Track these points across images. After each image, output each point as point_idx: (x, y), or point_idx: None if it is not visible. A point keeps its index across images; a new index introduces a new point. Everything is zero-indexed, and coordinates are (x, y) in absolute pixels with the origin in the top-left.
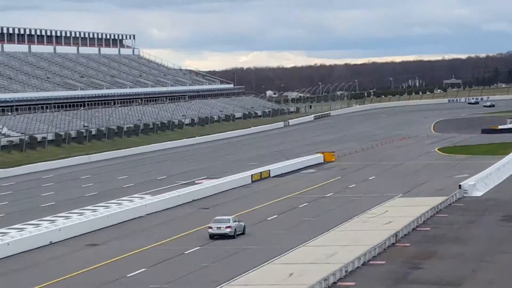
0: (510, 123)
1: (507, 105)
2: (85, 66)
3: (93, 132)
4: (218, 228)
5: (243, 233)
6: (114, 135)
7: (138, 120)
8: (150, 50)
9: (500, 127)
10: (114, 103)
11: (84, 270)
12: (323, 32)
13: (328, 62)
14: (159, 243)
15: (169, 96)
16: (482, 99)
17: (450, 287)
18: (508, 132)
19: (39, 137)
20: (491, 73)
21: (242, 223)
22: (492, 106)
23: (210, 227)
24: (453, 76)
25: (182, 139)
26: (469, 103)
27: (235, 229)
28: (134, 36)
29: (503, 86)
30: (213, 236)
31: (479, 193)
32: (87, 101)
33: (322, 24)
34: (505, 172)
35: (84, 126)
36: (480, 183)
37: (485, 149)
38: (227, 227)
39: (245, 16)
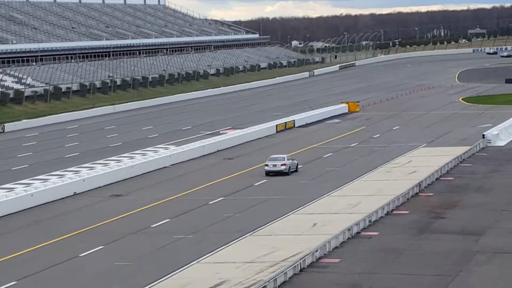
0: None
1: None
2: (110, 16)
3: (118, 83)
4: (274, 165)
5: (296, 171)
6: (139, 86)
7: (163, 70)
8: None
9: None
10: (139, 53)
11: (108, 220)
12: None
13: (353, 12)
14: (183, 193)
15: (194, 46)
16: (505, 48)
17: (472, 236)
18: None
19: (63, 87)
20: None
21: (295, 161)
22: (510, 56)
23: (267, 165)
24: (477, 26)
25: (207, 89)
26: (487, 53)
27: (289, 166)
28: None
29: None
30: (268, 173)
31: (502, 143)
32: (112, 51)
33: None
34: None
35: (109, 77)
36: (503, 133)
37: (508, 98)
38: (282, 164)
39: None
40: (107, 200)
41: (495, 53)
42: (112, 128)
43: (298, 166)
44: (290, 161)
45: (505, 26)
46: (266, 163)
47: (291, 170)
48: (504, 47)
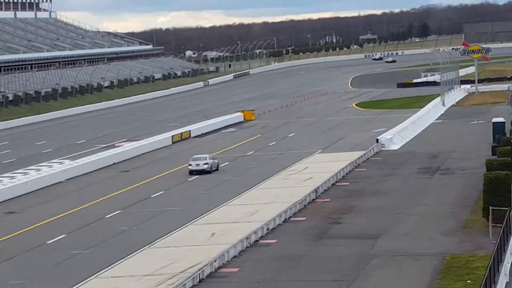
0: (424, 76)
1: (421, 59)
2: (0, 31)
3: (10, 98)
4: (197, 165)
5: (217, 169)
6: (32, 100)
7: (56, 84)
8: (67, 13)
9: (414, 80)
10: (32, 68)
11: (3, 238)
12: None
13: (246, 21)
14: (80, 208)
15: (87, 59)
16: (390, 54)
17: (369, 240)
18: (423, 86)
19: None
20: (405, 28)
21: (216, 160)
22: (394, 61)
23: (190, 164)
24: (369, 32)
25: (102, 102)
26: (373, 59)
27: (211, 165)
28: None
29: (417, 40)
30: (192, 172)
31: (395, 147)
32: (3, 66)
33: None
34: (420, 125)
35: (0, 92)
36: (396, 136)
37: (401, 103)
38: (204, 163)
39: None
40: (1, 217)
41: (381, 58)
42: (5, 144)
43: (219, 165)
44: (212, 160)
45: (395, 32)
46: (189, 163)
47: (213, 169)
48: (389, 53)
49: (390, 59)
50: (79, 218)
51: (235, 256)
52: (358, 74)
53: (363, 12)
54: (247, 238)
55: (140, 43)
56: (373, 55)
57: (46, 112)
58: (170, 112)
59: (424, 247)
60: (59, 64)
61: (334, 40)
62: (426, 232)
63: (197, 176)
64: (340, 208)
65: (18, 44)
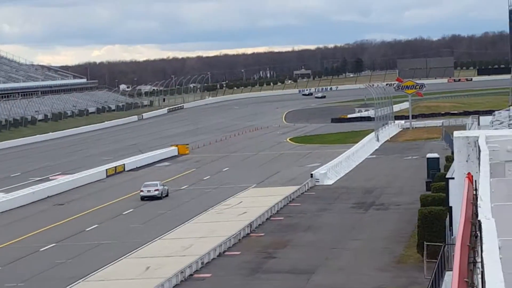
0: (358, 112)
1: (355, 94)
2: None
3: None
4: (148, 191)
5: (167, 196)
6: None
7: None
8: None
9: (349, 116)
10: None
11: None
12: (175, 25)
13: (180, 55)
14: (14, 241)
15: (21, 92)
16: (320, 89)
17: (304, 275)
18: (357, 121)
19: None
20: (339, 63)
21: (167, 187)
22: (323, 97)
23: (142, 191)
24: (303, 67)
25: (36, 135)
26: (303, 95)
27: (162, 191)
28: None
29: (351, 75)
30: (143, 198)
31: (330, 182)
32: None
33: (174, 17)
34: (355, 160)
35: None
36: (331, 171)
37: (335, 138)
38: (155, 190)
39: (97, 9)
40: None
41: (311, 94)
42: None
43: (169, 192)
44: (162, 187)
45: (329, 66)
46: (141, 189)
47: (163, 195)
48: (320, 88)
49: (319, 94)
50: (13, 251)
51: None
52: (292, 109)
53: (297, 47)
54: (182, 272)
55: (74, 77)
56: (303, 90)
57: None
58: (105, 146)
59: (359, 282)
60: None
61: (268, 75)
62: (360, 267)
63: (131, 210)
64: (274, 243)
65: None
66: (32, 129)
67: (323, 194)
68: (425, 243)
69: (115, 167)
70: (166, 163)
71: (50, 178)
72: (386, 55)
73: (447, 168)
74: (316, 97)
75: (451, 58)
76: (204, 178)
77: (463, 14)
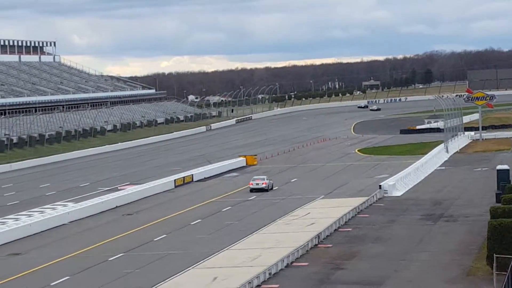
0: (427, 123)
1: (424, 105)
2: (5, 74)
3: (15, 140)
4: (257, 184)
5: (272, 189)
6: (35, 143)
7: (60, 127)
8: (71, 57)
9: (418, 127)
10: (36, 111)
11: (5, 280)
12: (243, 36)
13: (249, 66)
14: (83, 250)
15: (91, 103)
16: (375, 101)
17: (372, 287)
18: (426, 132)
19: None
20: (408, 74)
21: (272, 181)
22: (379, 109)
23: (251, 183)
24: (371, 78)
25: (105, 145)
26: (358, 107)
27: (268, 185)
28: (54, 43)
29: (420, 86)
30: (252, 190)
31: (398, 193)
32: (8, 109)
33: (243, 28)
34: (423, 171)
35: (5, 135)
36: (399, 183)
37: (403, 149)
38: (263, 183)
39: (165, 21)
40: (5, 259)
41: (366, 106)
42: (9, 186)
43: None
44: (269, 181)
45: (398, 77)
46: (250, 182)
47: (269, 188)
48: (375, 100)
49: (374, 107)
50: (82, 261)
51: None
52: (361, 120)
53: (366, 58)
54: (249, 282)
55: (143, 87)
56: (360, 104)
57: (50, 155)
58: (173, 156)
59: None
60: (63, 107)
61: (337, 86)
62: (429, 280)
63: (199, 220)
64: (342, 254)
65: (22, 88)
66: (101, 139)
67: (392, 206)
68: (495, 255)
69: (184, 177)
70: (234, 174)
71: (118, 188)
72: (456, 66)
73: None
74: (371, 110)
75: None
76: (274, 189)
77: None
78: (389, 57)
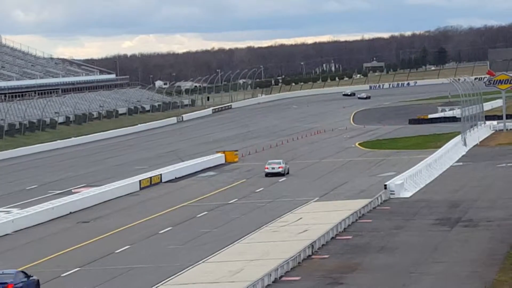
0: (441, 111)
1: (437, 90)
2: None
3: None
4: (273, 168)
5: (288, 173)
6: None
7: (2, 119)
8: (14, 36)
9: (430, 116)
10: None
11: None
12: (221, 10)
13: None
14: (30, 264)
15: (38, 91)
16: (404, 84)
17: None
18: (440, 122)
19: None
20: (418, 54)
21: (288, 166)
22: (368, 98)
23: (266, 168)
24: (374, 59)
25: (56, 140)
26: (344, 95)
27: (285, 169)
28: None
29: (432, 68)
30: (267, 175)
31: (407, 194)
32: None
33: (220, 1)
34: (437, 168)
35: None
36: (408, 182)
37: (413, 142)
38: (279, 167)
39: None
40: None
41: (353, 94)
42: None
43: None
44: (285, 165)
45: (406, 58)
46: (266, 166)
47: (286, 172)
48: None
49: (363, 95)
50: None
51: None
52: (362, 108)
53: (367, 35)
54: None
55: (101, 72)
56: (345, 91)
57: None
58: (138, 153)
59: None
60: (5, 96)
61: (333, 68)
62: None
63: (169, 228)
64: (341, 266)
65: None
66: (51, 133)
67: (399, 209)
68: None
69: (150, 177)
70: (211, 173)
71: (72, 191)
72: (475, 44)
73: None
74: (360, 98)
75: None
76: (257, 190)
77: None
78: (395, 34)
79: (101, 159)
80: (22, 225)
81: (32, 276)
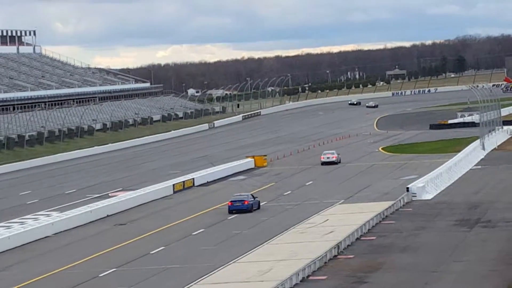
0: (461, 116)
1: (456, 96)
2: None
3: None
4: (328, 158)
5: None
6: (14, 145)
7: (42, 127)
8: (53, 47)
9: (450, 121)
10: (14, 109)
11: None
12: (251, 21)
13: (256, 55)
14: (70, 265)
15: (76, 99)
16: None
17: None
18: (459, 127)
19: None
20: (438, 62)
21: (340, 155)
22: (376, 106)
23: (322, 157)
24: (396, 67)
25: (93, 146)
26: (349, 104)
27: (339, 158)
28: (34, 32)
29: (452, 75)
30: (323, 163)
31: (429, 196)
32: None
33: (250, 12)
34: (457, 171)
35: None
36: (430, 184)
37: (434, 146)
38: (333, 156)
39: (162, 4)
40: None
41: (359, 103)
42: None
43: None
44: (338, 155)
45: (427, 66)
46: (321, 156)
47: (339, 161)
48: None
49: (372, 103)
50: (69, 277)
51: None
52: (385, 114)
53: (390, 45)
54: None
55: (136, 81)
56: (351, 99)
57: (30, 158)
58: (171, 158)
59: None
60: (45, 104)
61: (357, 76)
62: None
63: (202, 230)
64: (366, 266)
65: None
66: (89, 140)
67: (421, 210)
68: None
69: (183, 182)
70: (241, 177)
71: (109, 194)
72: (493, 52)
73: None
74: (368, 107)
75: None
76: (285, 194)
77: None
78: (416, 42)
79: (137, 164)
80: (61, 228)
81: (256, 197)
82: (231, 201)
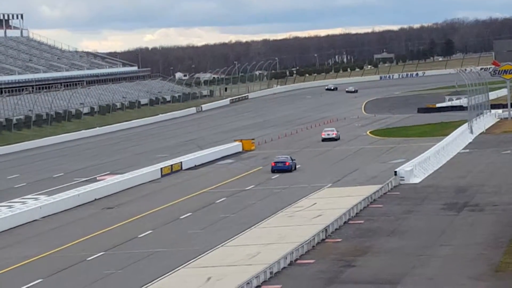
0: (449, 100)
1: (444, 80)
2: None
3: None
4: (328, 134)
5: (339, 139)
6: (2, 129)
7: (30, 110)
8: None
9: (438, 105)
10: (1, 92)
11: None
12: (238, 5)
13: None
14: (58, 249)
15: (64, 82)
16: (414, 75)
17: (387, 285)
18: (447, 111)
19: None
20: (426, 46)
21: (339, 132)
22: (356, 91)
23: (323, 134)
24: (384, 50)
25: (81, 130)
26: (326, 89)
27: (339, 135)
28: (22, 15)
29: (440, 59)
30: (324, 140)
31: (416, 180)
32: None
33: None
34: (445, 155)
35: None
36: (417, 168)
37: (422, 130)
38: (333, 133)
39: None
40: None
41: (336, 88)
42: None
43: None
44: (338, 132)
45: (415, 49)
46: (322, 133)
47: (338, 138)
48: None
49: (351, 88)
50: (57, 261)
51: None
52: (372, 98)
53: (377, 28)
54: (248, 283)
55: (124, 64)
56: (328, 85)
57: (18, 142)
58: (159, 142)
59: None
60: (33, 88)
61: (345, 60)
62: (452, 277)
63: (189, 214)
64: (353, 249)
65: None
66: (76, 123)
67: (409, 194)
68: None
69: (171, 165)
70: (229, 161)
71: (97, 178)
72: (481, 36)
73: None
74: (348, 92)
75: None
76: (273, 177)
77: None
78: (404, 26)
79: (124, 148)
80: (49, 211)
81: (294, 159)
82: (274, 162)
